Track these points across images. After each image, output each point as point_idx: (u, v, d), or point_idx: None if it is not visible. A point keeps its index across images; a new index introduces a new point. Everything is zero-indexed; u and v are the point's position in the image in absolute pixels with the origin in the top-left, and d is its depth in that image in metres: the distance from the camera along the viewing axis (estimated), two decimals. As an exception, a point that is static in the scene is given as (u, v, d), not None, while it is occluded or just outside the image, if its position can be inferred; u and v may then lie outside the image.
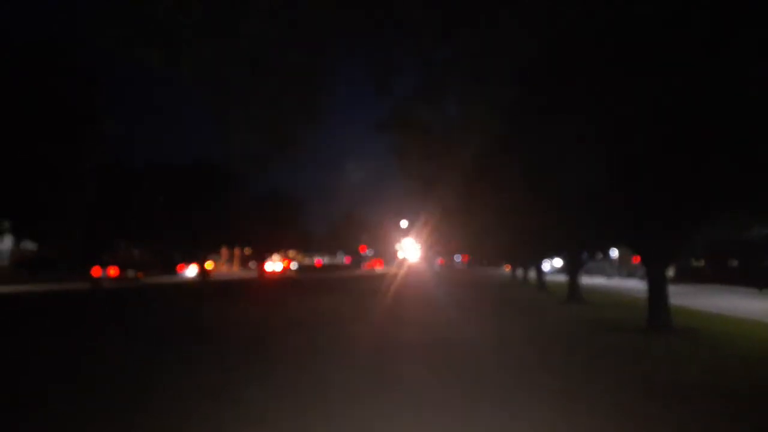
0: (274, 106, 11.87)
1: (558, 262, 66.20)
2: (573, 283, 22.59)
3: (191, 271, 55.37)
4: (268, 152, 12.29)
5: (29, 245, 28.12)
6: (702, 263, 50.11)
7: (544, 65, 12.00)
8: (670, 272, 40.85)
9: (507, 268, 61.62)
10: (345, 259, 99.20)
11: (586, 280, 37.06)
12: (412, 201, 35.38)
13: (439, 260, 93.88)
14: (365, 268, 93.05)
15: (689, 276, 45.57)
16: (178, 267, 49.09)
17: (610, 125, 11.33)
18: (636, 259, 46.92)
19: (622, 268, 63.30)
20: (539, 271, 32.52)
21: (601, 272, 64.89)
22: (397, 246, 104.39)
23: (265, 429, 5.46)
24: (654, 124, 10.89)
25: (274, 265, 71.66)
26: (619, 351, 10.48)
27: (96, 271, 46.03)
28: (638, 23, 10.18)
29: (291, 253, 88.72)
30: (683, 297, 23.26)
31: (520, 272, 42.74)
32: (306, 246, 74.19)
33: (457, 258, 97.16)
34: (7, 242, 25.64)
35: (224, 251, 71.08)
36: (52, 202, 15.23)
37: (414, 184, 24.03)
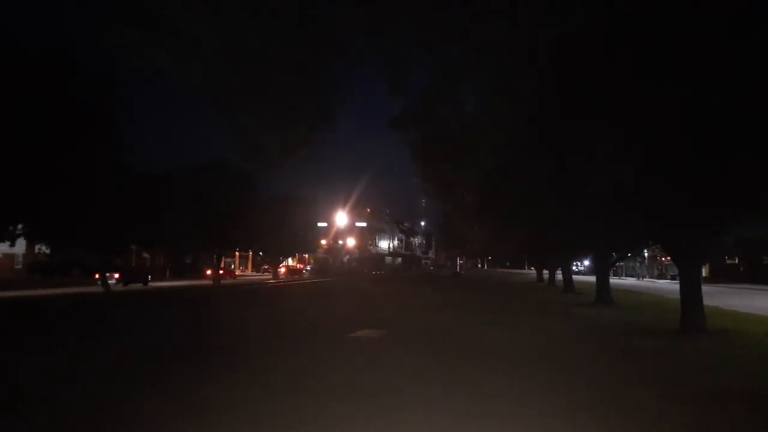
0: (287, 107, 11.69)
1: (586, 263, 65.04)
2: (601, 284, 21.90)
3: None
4: (281, 152, 12.13)
5: (43, 249, 28.63)
6: (737, 262, 48.65)
7: (565, 61, 11.57)
8: (704, 272, 39.75)
9: (531, 270, 60.70)
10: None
11: (616, 281, 36.15)
12: (429, 202, 35.12)
13: (459, 261, 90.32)
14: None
15: (724, 275, 44.21)
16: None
17: (638, 121, 10.84)
18: (667, 259, 45.73)
19: (653, 268, 61.90)
20: (566, 273, 31.77)
21: (631, 273, 63.54)
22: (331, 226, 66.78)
23: None
24: (683, 120, 10.37)
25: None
26: (649, 354, 9.95)
27: (209, 272, 49.61)
28: (661, 16, 9.73)
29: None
30: (718, 297, 22.38)
31: (546, 274, 41.92)
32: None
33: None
34: (21, 246, 26.06)
35: (236, 254, 71.21)
36: (64, 205, 15.30)
37: (431, 185, 23.58)
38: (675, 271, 29.76)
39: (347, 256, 66.53)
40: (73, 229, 18.76)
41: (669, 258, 33.27)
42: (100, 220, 19.43)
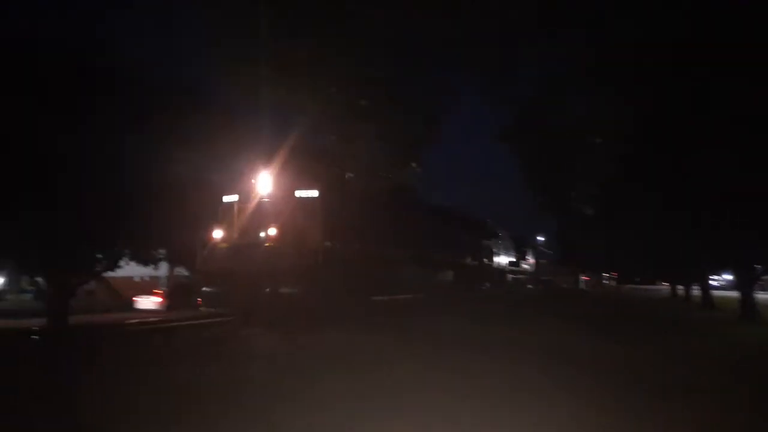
0: (394, 122, 11.85)
1: (726, 277, 59.00)
2: (746, 300, 19.73)
3: None
4: (389, 165, 12.33)
5: (182, 271, 31.13)
6: None
7: (687, 64, 10.62)
8: None
9: (664, 285, 56.11)
10: None
11: (763, 297, 32.37)
12: (542, 214, 33.45)
13: (584, 277, 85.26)
14: None
15: None
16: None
17: None
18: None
19: (809, 281, 54.96)
20: (704, 288, 29.06)
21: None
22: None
23: None
24: None
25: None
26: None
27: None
28: None
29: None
30: None
31: (680, 289, 38.62)
32: None
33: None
34: (163, 269, 28.62)
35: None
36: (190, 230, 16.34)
37: (544, 198, 22.61)
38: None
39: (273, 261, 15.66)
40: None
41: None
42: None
